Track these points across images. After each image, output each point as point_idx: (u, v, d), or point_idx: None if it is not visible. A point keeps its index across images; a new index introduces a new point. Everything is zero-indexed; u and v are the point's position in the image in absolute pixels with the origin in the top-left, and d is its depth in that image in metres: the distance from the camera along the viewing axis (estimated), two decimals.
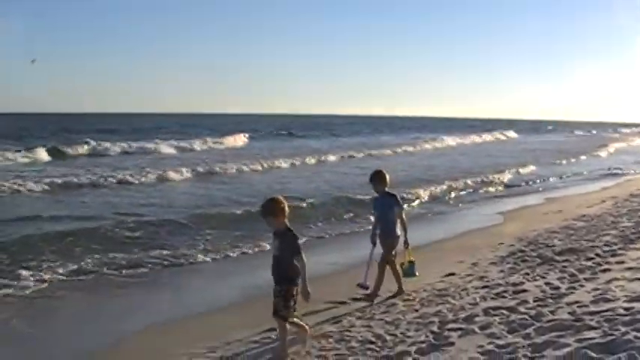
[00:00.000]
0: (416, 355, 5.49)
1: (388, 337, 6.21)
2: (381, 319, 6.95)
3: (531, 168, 29.59)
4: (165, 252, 11.24)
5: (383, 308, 7.50)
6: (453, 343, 5.60)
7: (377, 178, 8.34)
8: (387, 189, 8.33)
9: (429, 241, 12.40)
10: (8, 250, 10.82)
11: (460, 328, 5.98)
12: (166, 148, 39.09)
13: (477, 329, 5.86)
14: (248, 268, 10.15)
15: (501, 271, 8.71)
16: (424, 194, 19.58)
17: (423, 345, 5.70)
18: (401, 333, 6.29)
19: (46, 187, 19.61)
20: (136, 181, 21.92)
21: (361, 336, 6.39)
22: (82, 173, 23.56)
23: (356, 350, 5.98)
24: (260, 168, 28.10)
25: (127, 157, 33.33)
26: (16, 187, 19.17)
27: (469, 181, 22.71)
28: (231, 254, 11.29)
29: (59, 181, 20.76)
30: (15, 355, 6.77)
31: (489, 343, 5.37)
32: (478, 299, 7.10)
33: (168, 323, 7.61)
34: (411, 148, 44.85)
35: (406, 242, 8.20)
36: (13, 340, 7.17)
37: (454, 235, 13.18)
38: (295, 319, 6.22)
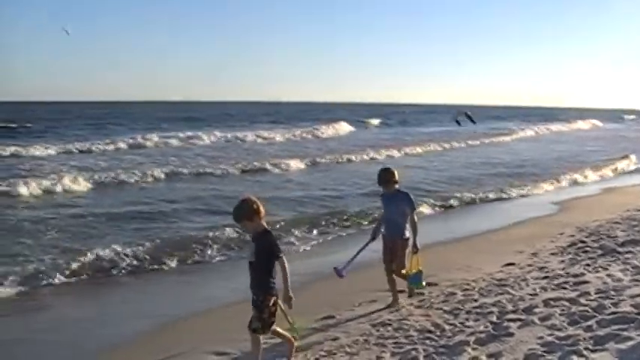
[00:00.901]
0: (475, 345, 5.51)
1: (447, 327, 6.24)
2: (440, 309, 6.98)
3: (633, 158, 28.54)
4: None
5: (442, 297, 7.52)
6: (512, 334, 5.59)
7: (385, 177, 7.53)
8: (397, 186, 7.56)
9: (485, 229, 12.36)
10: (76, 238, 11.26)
11: (520, 319, 5.96)
12: (279, 136, 39.68)
13: (536, 320, 5.83)
14: (312, 257, 10.47)
15: (562, 261, 8.60)
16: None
17: (482, 335, 5.71)
18: (460, 322, 6.31)
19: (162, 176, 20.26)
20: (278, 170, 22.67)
21: (420, 325, 6.45)
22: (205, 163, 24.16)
23: (414, 339, 6.04)
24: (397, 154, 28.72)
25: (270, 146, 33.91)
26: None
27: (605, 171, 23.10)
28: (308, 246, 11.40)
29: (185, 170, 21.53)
30: (89, 330, 7.09)
31: (549, 335, 5.34)
32: (538, 290, 7.05)
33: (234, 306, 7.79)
34: (507, 138, 44.56)
35: (415, 246, 7.43)
36: (84, 321, 7.50)
37: (510, 224, 13.05)
38: (278, 329, 5.74)
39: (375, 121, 65.84)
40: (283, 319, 5.76)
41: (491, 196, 17.16)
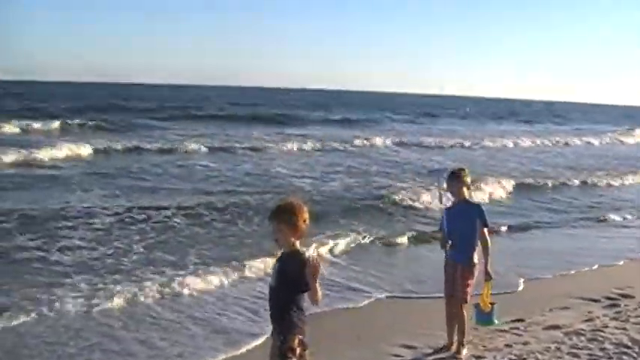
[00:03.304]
0: None
1: None
2: (638, 323, 6.80)
3: None
4: None
5: None
6: None
7: (454, 179, 6.02)
8: (466, 195, 6.10)
9: None
10: None
11: None
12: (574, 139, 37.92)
13: None
14: None
15: None
16: None
17: None
18: None
19: None
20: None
21: (616, 338, 6.35)
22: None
23: (610, 353, 5.98)
24: None
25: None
26: None
27: None
28: None
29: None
30: None
31: None
32: None
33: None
34: None
35: (487, 273, 5.92)
36: None
37: None
38: None
39: None
40: None
41: None
